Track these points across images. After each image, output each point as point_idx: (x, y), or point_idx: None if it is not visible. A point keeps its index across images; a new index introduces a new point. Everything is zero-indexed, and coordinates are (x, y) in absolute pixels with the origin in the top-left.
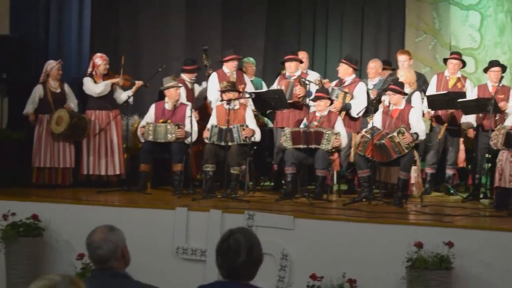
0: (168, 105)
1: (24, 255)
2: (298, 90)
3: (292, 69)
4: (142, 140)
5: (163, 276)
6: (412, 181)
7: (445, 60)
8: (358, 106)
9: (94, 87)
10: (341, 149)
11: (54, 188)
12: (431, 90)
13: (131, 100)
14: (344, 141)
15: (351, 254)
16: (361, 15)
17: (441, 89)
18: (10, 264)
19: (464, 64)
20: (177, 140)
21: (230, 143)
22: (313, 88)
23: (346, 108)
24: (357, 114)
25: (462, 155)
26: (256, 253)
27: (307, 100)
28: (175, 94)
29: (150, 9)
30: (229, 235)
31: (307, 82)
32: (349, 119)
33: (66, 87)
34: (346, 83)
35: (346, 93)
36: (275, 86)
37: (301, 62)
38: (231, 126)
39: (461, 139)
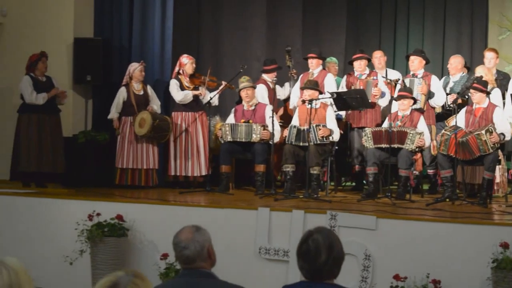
0: (245, 106)
1: (109, 255)
2: (377, 91)
3: (361, 67)
4: (222, 142)
5: (246, 276)
6: (497, 180)
7: None
8: (439, 96)
9: (175, 94)
10: (424, 149)
11: (136, 189)
12: None
13: (213, 101)
14: (427, 141)
15: (435, 254)
16: (442, 12)
17: None
18: (95, 263)
19: None
20: (261, 141)
21: (308, 143)
22: (384, 88)
23: (429, 96)
24: (439, 105)
25: None
26: (336, 251)
27: (380, 101)
28: (245, 94)
29: (231, 10)
30: (307, 236)
31: (394, 82)
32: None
33: (149, 89)
34: (419, 76)
35: (424, 81)
36: (343, 84)
37: (369, 60)
38: (309, 126)
39: None
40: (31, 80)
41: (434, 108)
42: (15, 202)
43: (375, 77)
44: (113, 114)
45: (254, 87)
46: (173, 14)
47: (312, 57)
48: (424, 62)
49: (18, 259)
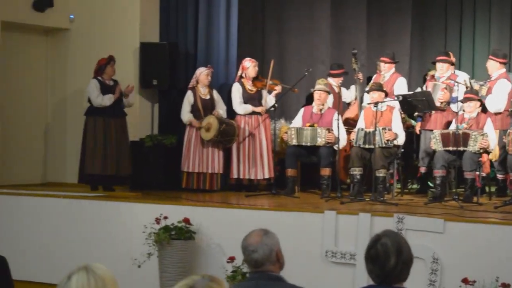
0: (314, 109)
1: (176, 258)
2: (443, 96)
3: (443, 70)
4: (288, 145)
5: (313, 280)
6: None
7: None
8: (492, 101)
9: (236, 106)
10: (490, 150)
11: (202, 193)
12: None
13: (276, 104)
14: (492, 142)
15: (504, 257)
16: (509, 11)
17: None
18: (163, 267)
19: None
20: (326, 144)
21: (374, 146)
22: (460, 90)
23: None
24: (492, 110)
25: None
26: (405, 254)
27: (450, 105)
28: (317, 96)
29: (296, 13)
30: (375, 240)
31: (456, 85)
32: (495, 115)
33: (215, 93)
34: (492, 78)
35: (482, 85)
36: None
37: (453, 64)
38: (375, 129)
39: None
40: (98, 84)
41: (498, 113)
42: (83, 205)
43: (452, 81)
44: (188, 116)
45: (329, 93)
46: (237, 18)
47: (385, 61)
48: (498, 63)
49: (106, 267)
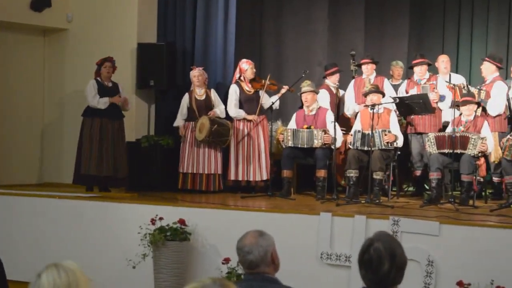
0: (306, 111)
1: (171, 259)
2: (436, 96)
3: (422, 72)
4: (284, 146)
5: (308, 282)
6: None
7: None
8: (493, 105)
9: (231, 108)
10: (487, 154)
11: (198, 194)
12: None
13: (276, 105)
14: (490, 146)
15: (499, 261)
16: (507, 16)
17: None
18: (157, 268)
19: None
20: (323, 145)
21: (373, 148)
22: (445, 91)
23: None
24: (494, 114)
25: None
26: (399, 258)
27: (438, 104)
28: (304, 99)
29: (293, 14)
30: (368, 245)
31: (457, 87)
32: (493, 118)
33: (213, 93)
34: (487, 82)
35: (480, 89)
36: (402, 89)
37: (429, 64)
38: (374, 131)
39: None
40: (96, 85)
41: (498, 115)
42: (78, 206)
43: (434, 82)
44: (178, 121)
45: (316, 92)
46: (235, 18)
47: (368, 62)
48: (493, 67)
49: (74, 262)
